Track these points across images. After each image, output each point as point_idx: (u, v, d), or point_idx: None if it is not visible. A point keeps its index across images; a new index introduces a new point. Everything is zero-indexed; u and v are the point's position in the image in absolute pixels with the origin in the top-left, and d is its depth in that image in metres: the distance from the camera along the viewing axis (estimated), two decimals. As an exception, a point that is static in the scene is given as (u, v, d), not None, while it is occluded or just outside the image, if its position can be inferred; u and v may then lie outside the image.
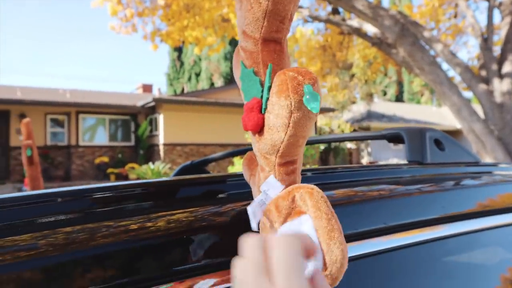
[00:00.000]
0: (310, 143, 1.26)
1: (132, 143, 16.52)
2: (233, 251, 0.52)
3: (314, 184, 0.65)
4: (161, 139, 15.29)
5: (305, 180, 0.67)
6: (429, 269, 0.70)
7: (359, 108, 21.98)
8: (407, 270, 0.66)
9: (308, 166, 9.96)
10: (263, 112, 0.46)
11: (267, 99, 0.46)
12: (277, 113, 0.44)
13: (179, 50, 31.31)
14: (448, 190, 0.79)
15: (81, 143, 15.65)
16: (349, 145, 19.70)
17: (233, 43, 27.58)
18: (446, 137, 0.97)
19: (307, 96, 0.42)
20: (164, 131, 15.22)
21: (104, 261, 0.44)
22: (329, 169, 0.74)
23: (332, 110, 19.31)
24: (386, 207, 0.66)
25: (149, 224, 0.50)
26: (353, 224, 0.61)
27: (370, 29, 8.27)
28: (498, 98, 7.11)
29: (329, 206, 0.44)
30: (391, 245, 0.63)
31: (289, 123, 0.43)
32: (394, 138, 0.99)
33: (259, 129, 0.47)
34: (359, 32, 8.82)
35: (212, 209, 0.55)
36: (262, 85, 0.47)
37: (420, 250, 0.68)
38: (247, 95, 0.49)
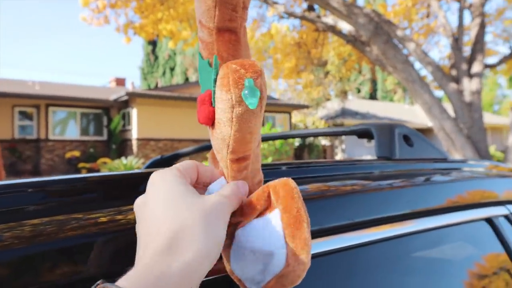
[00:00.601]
0: (281, 137, 1.26)
1: (105, 137, 16.24)
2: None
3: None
4: (134, 133, 15.09)
5: (279, 174, 0.67)
6: (397, 264, 0.70)
7: (334, 105, 22.20)
8: (376, 265, 0.66)
9: (282, 162, 10.08)
10: (214, 105, 0.45)
11: (214, 92, 0.44)
12: (221, 107, 0.42)
13: (153, 43, 30.92)
14: (416, 185, 0.80)
15: (51, 136, 15.28)
16: (324, 142, 19.89)
17: (209, 37, 27.37)
18: (415, 133, 0.98)
19: (246, 91, 0.40)
20: (137, 125, 15.02)
21: (73, 254, 0.43)
22: (303, 163, 0.74)
23: (306, 106, 19.45)
24: (356, 202, 0.66)
25: (119, 216, 0.49)
26: (326, 219, 0.60)
27: (345, 26, 8.34)
28: (467, 97, 7.29)
29: (300, 198, 0.43)
30: (360, 240, 0.63)
31: (232, 118, 0.42)
32: (364, 134, 0.99)
33: (211, 123, 0.45)
34: (334, 30, 8.90)
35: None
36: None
37: (389, 245, 0.68)
38: (203, 87, 0.47)
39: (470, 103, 7.29)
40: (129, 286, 0.33)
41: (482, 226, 0.87)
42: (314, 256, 0.55)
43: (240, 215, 0.46)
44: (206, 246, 0.38)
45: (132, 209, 0.47)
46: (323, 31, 10.26)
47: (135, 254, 0.40)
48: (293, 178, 0.59)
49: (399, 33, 7.62)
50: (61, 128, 15.77)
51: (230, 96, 0.41)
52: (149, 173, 0.46)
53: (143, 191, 0.45)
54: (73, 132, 15.87)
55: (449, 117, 7.04)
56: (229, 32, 0.45)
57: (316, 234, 0.57)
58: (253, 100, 0.41)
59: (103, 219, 0.47)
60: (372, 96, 32.15)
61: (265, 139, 1.32)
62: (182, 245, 0.37)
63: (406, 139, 0.94)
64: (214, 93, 0.44)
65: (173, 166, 0.45)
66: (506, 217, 0.92)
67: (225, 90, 0.41)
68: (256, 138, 0.46)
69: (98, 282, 0.35)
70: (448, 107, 7.87)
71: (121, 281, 0.34)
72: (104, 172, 0.57)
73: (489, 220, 0.88)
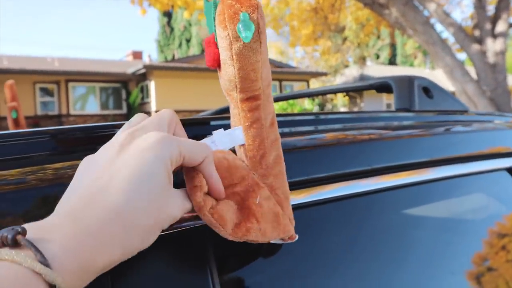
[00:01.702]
0: (298, 96, 1.25)
1: (124, 111, 16.41)
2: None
3: (306, 129, 0.65)
4: (153, 106, 15.20)
5: (297, 124, 0.67)
6: (415, 211, 0.70)
7: (352, 72, 21.85)
8: (393, 211, 0.66)
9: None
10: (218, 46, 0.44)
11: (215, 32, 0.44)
12: (221, 46, 0.42)
13: (168, 15, 30.67)
14: (435, 135, 0.78)
15: (72, 112, 15.52)
16: (342, 109, 19.70)
17: (224, 7, 26.99)
18: (434, 85, 0.96)
19: (240, 25, 0.40)
20: (156, 98, 15.11)
21: None
22: (320, 113, 0.74)
23: (324, 74, 19.20)
24: (374, 149, 0.66)
25: None
26: (344, 165, 0.60)
27: (363, -11, 8.11)
28: (491, 59, 7.08)
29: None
30: (379, 186, 0.63)
31: (233, 56, 0.41)
32: (383, 87, 0.98)
33: (217, 65, 0.45)
34: (351, -7, 8.66)
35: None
36: None
37: (407, 192, 0.68)
38: (210, 30, 0.46)
39: (494, 64, 7.08)
40: (49, 252, 0.28)
41: (503, 176, 0.86)
42: (332, 200, 0.56)
43: None
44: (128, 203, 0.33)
45: None
46: (340, -5, 10.01)
47: None
48: (311, 129, 0.58)
49: (419, -7, 7.38)
50: (81, 103, 15.97)
51: (227, 32, 0.40)
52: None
53: None
54: (93, 106, 16.07)
55: (472, 80, 6.87)
56: None
57: (333, 179, 0.58)
58: (247, 33, 0.40)
59: None
60: (392, 62, 31.47)
61: (281, 98, 1.31)
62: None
63: (426, 91, 0.92)
64: (215, 33, 0.43)
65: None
66: (528, 167, 0.90)
67: (222, 27, 0.41)
68: (263, 77, 0.45)
69: (3, 231, 0.29)
70: (471, 70, 7.66)
71: (32, 234, 0.29)
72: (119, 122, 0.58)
73: (510, 170, 0.86)
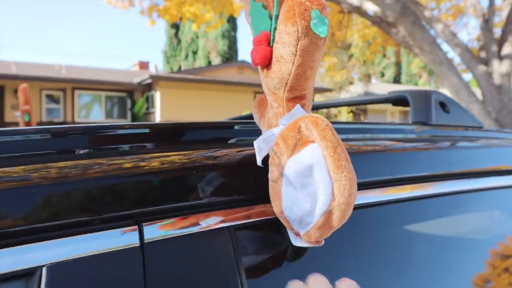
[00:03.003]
0: (317, 108, 1.25)
1: (128, 120, 16.46)
2: (237, 190, 0.52)
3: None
4: (157, 116, 15.24)
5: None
6: (432, 223, 0.70)
7: (357, 89, 21.90)
8: (411, 222, 0.66)
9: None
10: (271, 44, 0.45)
11: (275, 28, 0.44)
12: (284, 42, 0.43)
13: (176, 27, 30.93)
14: (453, 148, 0.79)
15: (77, 119, 15.57)
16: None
17: (231, 20, 27.26)
18: (451, 100, 0.96)
19: (315, 21, 0.41)
20: (160, 108, 15.16)
21: (94, 196, 0.44)
22: (336, 122, 0.74)
23: (329, 90, 19.24)
24: (391, 160, 0.66)
25: (142, 163, 0.49)
26: (365, 174, 0.60)
27: (371, 7, 8.17)
28: (496, 80, 7.10)
29: (335, 135, 0.43)
30: (395, 197, 0.63)
31: (296, 52, 0.42)
32: (399, 101, 0.98)
33: (267, 62, 0.46)
34: (359, 11, 8.72)
35: (215, 151, 0.54)
36: (271, 18, 0.46)
37: (423, 204, 0.68)
38: (256, 29, 0.48)
39: (500, 86, 7.10)
40: None
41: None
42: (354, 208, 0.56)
43: (280, 151, 0.46)
44: None
45: (154, 158, 0.48)
46: (348, 12, 10.10)
47: (153, 199, 0.40)
48: (344, 137, 0.58)
49: (427, 13, 7.44)
50: (86, 111, 16.04)
51: (296, 28, 0.41)
52: (184, 124, 0.46)
53: (177, 141, 0.46)
54: (98, 115, 16.13)
55: (477, 100, 6.88)
56: None
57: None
58: (322, 28, 0.41)
59: (127, 165, 0.48)
60: (396, 80, 31.55)
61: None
62: None
63: (443, 105, 0.93)
64: (274, 30, 0.44)
65: None
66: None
67: (291, 23, 0.41)
68: (315, 76, 0.46)
69: None
70: (476, 92, 7.68)
71: None
72: (130, 123, 0.58)
73: (526, 187, 0.86)
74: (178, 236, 0.42)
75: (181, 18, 9.93)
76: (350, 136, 0.70)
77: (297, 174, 0.44)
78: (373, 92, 21.47)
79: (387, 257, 0.62)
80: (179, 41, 31.21)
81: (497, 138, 0.98)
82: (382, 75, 30.73)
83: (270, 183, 0.48)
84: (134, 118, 16.13)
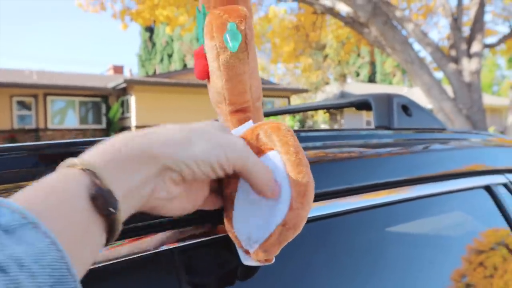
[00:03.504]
0: (278, 113, 1.25)
1: (104, 125, 16.22)
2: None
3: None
4: (133, 121, 15.06)
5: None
6: (394, 231, 0.70)
7: (333, 89, 22.11)
8: (371, 231, 0.66)
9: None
10: None
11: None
12: (209, 57, 0.41)
13: (150, 30, 30.68)
14: (414, 153, 0.79)
15: (50, 126, 15.26)
16: (323, 125, 19.86)
17: (206, 23, 27.15)
18: (413, 103, 0.97)
19: (227, 35, 0.39)
20: (136, 113, 14.99)
21: None
22: (301, 131, 0.73)
23: (305, 90, 19.38)
24: (354, 168, 0.65)
25: None
26: (323, 184, 0.59)
27: (343, 8, 8.26)
28: (466, 78, 7.26)
29: (296, 140, 0.41)
30: (358, 205, 0.62)
31: (220, 66, 0.41)
32: (362, 105, 0.98)
33: (206, 77, 0.44)
34: (332, 12, 8.81)
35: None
36: None
37: (386, 211, 0.67)
38: (200, 41, 0.46)
39: (470, 83, 7.26)
40: (89, 155, 0.35)
41: (480, 194, 0.86)
42: (310, 220, 0.55)
43: None
44: (174, 144, 0.38)
45: None
46: (321, 13, 10.19)
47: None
48: (307, 145, 0.57)
49: (398, 13, 7.56)
50: (60, 117, 15.73)
51: (214, 43, 0.39)
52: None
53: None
54: (72, 121, 15.84)
55: (449, 98, 7.02)
56: None
57: (320, 196, 0.57)
58: (234, 43, 0.39)
59: None
60: (371, 79, 31.99)
61: (265, 115, 1.30)
62: (152, 136, 0.38)
63: (405, 109, 0.93)
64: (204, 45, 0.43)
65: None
66: (505, 185, 0.91)
67: (209, 37, 0.40)
68: (252, 89, 0.44)
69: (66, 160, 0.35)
70: (448, 89, 7.84)
71: (82, 154, 0.35)
72: (103, 137, 0.56)
73: (488, 188, 0.87)
74: (114, 263, 0.39)
75: (154, 22, 9.84)
76: (311, 144, 0.70)
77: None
78: (348, 92, 21.72)
79: (354, 267, 0.61)
80: (153, 44, 30.96)
81: (458, 139, 0.99)
82: (357, 74, 31.12)
83: (224, 195, 0.46)
84: (109, 123, 15.90)
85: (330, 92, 21.93)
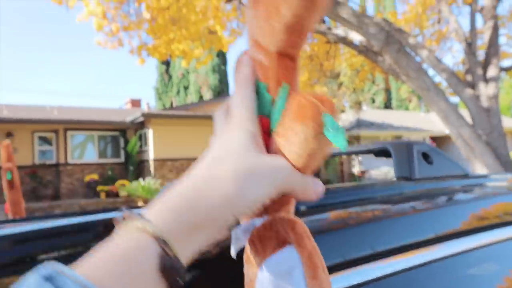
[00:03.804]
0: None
1: (122, 159, 16.40)
2: (211, 283, 0.49)
3: (308, 207, 0.63)
4: (151, 154, 15.20)
5: (298, 202, 0.64)
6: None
7: (348, 117, 22.08)
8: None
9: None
10: (271, 132, 0.43)
11: (278, 120, 0.42)
12: (290, 140, 0.40)
13: (166, 63, 31.32)
14: (439, 207, 0.76)
15: (70, 160, 15.50)
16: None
17: (221, 55, 27.66)
18: (434, 150, 0.95)
19: (330, 129, 0.38)
20: (154, 146, 15.14)
21: None
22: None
23: (321, 119, 19.34)
24: (378, 229, 0.64)
25: None
26: (347, 250, 0.58)
27: (356, 37, 8.33)
28: (484, 103, 7.18)
29: (311, 241, 0.41)
30: (383, 271, 0.60)
31: (300, 152, 0.40)
32: (381, 152, 0.97)
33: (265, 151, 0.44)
34: (345, 41, 8.89)
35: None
36: (272, 103, 0.43)
37: (414, 274, 0.65)
38: (260, 113, 0.45)
39: (488, 108, 7.17)
40: (157, 218, 0.34)
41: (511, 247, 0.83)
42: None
43: (256, 250, 0.44)
44: (238, 196, 0.37)
45: None
46: (334, 42, 10.28)
47: None
48: (312, 206, 0.57)
49: (411, 40, 7.58)
50: (79, 152, 15.99)
51: (306, 129, 0.39)
52: None
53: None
54: (91, 155, 16.08)
55: (467, 124, 6.93)
56: (288, 58, 0.43)
57: (337, 267, 0.55)
58: (340, 138, 0.38)
59: None
60: (387, 106, 31.90)
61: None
62: (216, 186, 0.37)
63: (425, 156, 0.91)
64: (276, 121, 0.42)
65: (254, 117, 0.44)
66: (535, 233, 0.88)
67: (300, 123, 0.39)
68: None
69: (123, 208, 0.36)
70: (465, 112, 7.76)
71: (148, 212, 0.35)
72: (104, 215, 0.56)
73: (517, 239, 0.84)
74: None
75: (170, 55, 10.05)
76: (331, 201, 0.68)
77: (272, 277, 0.42)
78: (364, 119, 21.65)
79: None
80: (170, 77, 31.53)
81: (481, 185, 0.96)
82: (373, 101, 31.08)
83: (245, 279, 0.46)
84: (128, 157, 16.07)
85: (346, 119, 21.90)
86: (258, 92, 0.45)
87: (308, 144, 0.40)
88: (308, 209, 0.63)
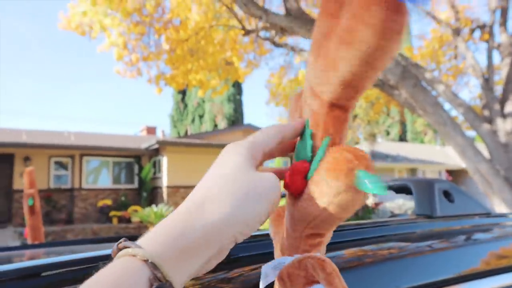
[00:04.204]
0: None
1: (136, 185, 16.48)
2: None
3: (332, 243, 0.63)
4: (164, 181, 15.26)
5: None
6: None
7: (363, 149, 21.97)
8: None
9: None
10: (308, 178, 0.44)
11: (315, 168, 0.44)
12: (322, 190, 0.42)
13: (183, 92, 31.78)
14: (461, 246, 0.76)
15: (84, 185, 15.62)
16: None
17: (236, 85, 28.01)
18: (455, 188, 0.95)
19: (366, 181, 0.39)
20: (167, 173, 15.21)
21: None
22: (338, 226, 0.72)
23: (335, 150, 19.29)
24: (396, 268, 0.63)
25: None
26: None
27: (372, 71, 8.38)
28: (502, 138, 7.11)
29: (341, 280, 0.42)
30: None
31: (331, 203, 0.41)
32: (402, 189, 0.97)
33: (298, 193, 0.45)
34: (360, 74, 8.93)
35: (217, 276, 0.53)
36: (313, 149, 0.45)
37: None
38: (298, 153, 0.47)
39: (506, 144, 7.10)
40: (149, 243, 0.34)
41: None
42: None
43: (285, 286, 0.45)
44: (234, 215, 0.38)
45: None
46: (349, 75, 10.35)
47: None
48: (330, 242, 0.58)
49: (427, 75, 7.61)
50: (94, 177, 16.12)
51: (338, 184, 0.40)
52: None
53: None
54: (105, 180, 16.19)
55: (484, 159, 6.85)
56: (340, 109, 0.43)
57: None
58: (377, 187, 0.39)
59: None
60: (402, 138, 31.73)
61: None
62: (209, 208, 0.37)
63: (447, 194, 0.91)
64: (314, 169, 0.43)
65: (247, 142, 0.45)
66: (559, 276, 0.86)
67: (333, 176, 0.40)
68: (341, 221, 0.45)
69: (120, 240, 0.36)
70: (482, 146, 7.68)
71: (141, 240, 0.35)
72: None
73: (542, 281, 0.82)
74: None
75: (187, 85, 10.22)
76: (349, 238, 0.68)
77: None
78: (379, 152, 21.53)
79: None
80: (185, 106, 31.94)
81: (504, 225, 0.95)
82: (388, 133, 30.97)
83: None
84: (141, 183, 16.15)
85: (360, 151, 21.76)
86: (303, 135, 0.46)
87: (339, 197, 0.41)
88: (331, 245, 0.64)
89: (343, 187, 0.40)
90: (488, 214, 0.98)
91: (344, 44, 0.38)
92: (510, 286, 0.77)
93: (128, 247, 0.34)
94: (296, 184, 0.45)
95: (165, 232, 0.35)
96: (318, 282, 0.43)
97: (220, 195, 0.39)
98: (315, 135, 0.44)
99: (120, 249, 0.35)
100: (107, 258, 0.53)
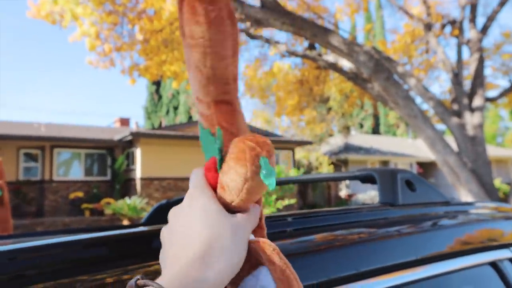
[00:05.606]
0: (286, 183, 1.28)
1: (108, 177, 16.25)
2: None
3: (295, 229, 0.67)
4: (138, 173, 15.10)
5: (286, 225, 0.68)
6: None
7: (337, 141, 22.26)
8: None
9: (286, 200, 9.89)
10: (218, 171, 0.49)
11: (221, 160, 0.48)
12: (232, 178, 0.46)
13: (157, 83, 31.42)
14: (420, 231, 0.80)
15: (55, 178, 15.31)
16: (327, 177, 19.75)
17: (212, 77, 27.80)
18: (417, 178, 0.99)
19: (264, 171, 0.44)
20: (141, 165, 15.05)
21: None
22: (308, 213, 0.75)
23: (309, 143, 19.51)
24: (362, 251, 0.67)
25: (125, 276, 0.50)
26: (334, 270, 0.61)
27: (346, 64, 8.49)
28: (470, 131, 7.32)
29: (282, 258, 0.46)
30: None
31: (242, 189, 0.45)
32: (367, 179, 1.01)
33: (215, 187, 0.49)
34: (335, 67, 9.04)
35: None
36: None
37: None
38: (207, 154, 0.51)
39: (473, 137, 7.31)
40: (168, 284, 0.38)
41: (486, 270, 0.87)
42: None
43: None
44: (235, 257, 0.43)
45: (138, 268, 0.48)
46: (324, 68, 10.45)
47: None
48: (299, 228, 0.60)
49: (400, 69, 7.74)
50: (65, 169, 15.81)
51: (245, 170, 0.44)
52: (146, 232, 0.47)
53: (147, 249, 0.46)
54: (77, 172, 15.90)
55: (453, 152, 7.04)
56: (225, 103, 0.49)
57: (323, 285, 0.58)
58: (271, 180, 0.44)
59: (109, 280, 0.48)
60: (375, 131, 32.28)
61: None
62: (215, 255, 0.42)
63: (409, 184, 0.95)
64: (220, 160, 0.47)
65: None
66: (510, 260, 0.92)
67: (240, 165, 0.44)
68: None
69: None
70: (451, 140, 7.89)
71: (159, 280, 0.39)
72: (105, 232, 0.58)
73: (493, 264, 0.88)
74: None
75: (161, 76, 10.12)
76: (317, 225, 0.71)
77: None
78: (353, 144, 21.84)
79: None
80: (160, 97, 31.61)
81: (462, 212, 1.00)
82: (361, 126, 31.44)
83: None
84: (114, 175, 15.94)
85: (334, 144, 22.07)
86: (206, 137, 0.51)
87: (248, 183, 0.45)
88: (296, 231, 0.66)
89: (250, 173, 0.44)
90: (447, 203, 1.03)
91: (192, 47, 0.46)
92: (465, 268, 0.82)
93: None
94: (211, 180, 0.49)
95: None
96: (262, 264, 0.46)
97: (219, 242, 0.44)
98: (213, 133, 0.50)
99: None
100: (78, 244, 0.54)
